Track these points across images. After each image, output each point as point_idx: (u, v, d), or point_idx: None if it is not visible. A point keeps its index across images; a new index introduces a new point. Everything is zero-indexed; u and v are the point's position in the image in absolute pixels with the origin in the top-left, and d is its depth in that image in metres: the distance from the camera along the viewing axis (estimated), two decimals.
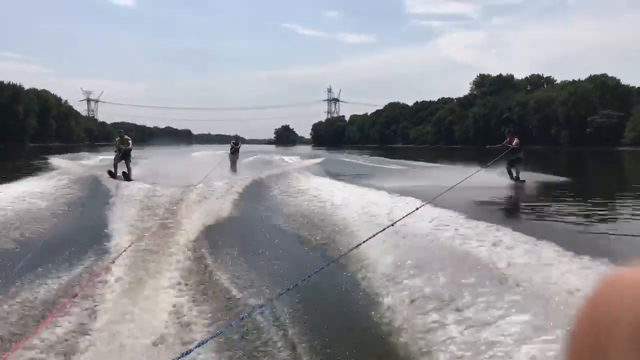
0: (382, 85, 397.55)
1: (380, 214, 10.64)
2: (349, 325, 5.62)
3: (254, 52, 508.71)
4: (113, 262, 7.03)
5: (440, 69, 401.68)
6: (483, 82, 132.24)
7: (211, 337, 4.37)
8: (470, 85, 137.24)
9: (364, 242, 6.09)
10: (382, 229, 6.61)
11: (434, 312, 5.29)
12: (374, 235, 6.09)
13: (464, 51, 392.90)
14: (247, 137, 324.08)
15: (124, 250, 7.68)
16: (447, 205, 10.35)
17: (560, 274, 5.97)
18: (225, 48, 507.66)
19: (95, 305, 5.76)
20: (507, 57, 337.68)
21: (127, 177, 19.40)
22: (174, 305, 5.79)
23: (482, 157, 22.88)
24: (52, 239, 9.42)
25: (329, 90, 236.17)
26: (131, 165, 20.10)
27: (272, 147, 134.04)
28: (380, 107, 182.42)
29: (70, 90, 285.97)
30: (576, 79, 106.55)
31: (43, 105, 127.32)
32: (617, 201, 16.09)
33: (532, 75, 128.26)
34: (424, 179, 18.52)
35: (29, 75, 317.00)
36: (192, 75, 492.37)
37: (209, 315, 5.62)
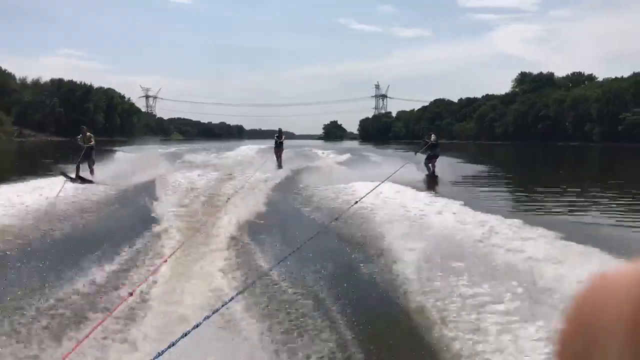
0: (433, 80, 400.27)
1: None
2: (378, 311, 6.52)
3: (306, 48, 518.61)
4: (166, 261, 7.07)
5: (494, 63, 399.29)
6: (524, 80, 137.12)
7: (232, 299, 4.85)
8: (512, 83, 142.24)
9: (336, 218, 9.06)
10: (352, 203, 9.07)
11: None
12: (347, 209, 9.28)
13: (520, 45, 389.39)
14: (297, 133, 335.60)
15: (176, 249, 7.78)
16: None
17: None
18: (278, 44, 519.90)
19: (147, 301, 6.32)
20: (566, 50, 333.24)
21: (84, 180, 18.17)
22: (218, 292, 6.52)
23: (500, 153, 30.11)
24: (103, 229, 10.78)
25: (377, 87, 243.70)
26: (95, 167, 19.50)
27: (320, 142, 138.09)
28: (427, 104, 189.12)
29: (128, 87, 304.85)
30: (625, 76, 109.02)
31: (109, 103, 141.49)
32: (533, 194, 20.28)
33: (574, 73, 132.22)
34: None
35: (90, 72, 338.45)
36: (245, 71, 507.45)
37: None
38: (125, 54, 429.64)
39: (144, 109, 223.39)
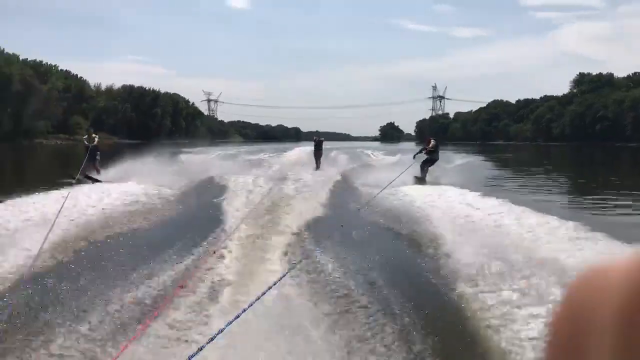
0: (492, 80, 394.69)
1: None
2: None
3: (362, 49, 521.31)
4: (214, 252, 7.58)
5: (558, 63, 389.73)
6: (583, 80, 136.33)
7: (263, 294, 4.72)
8: (570, 84, 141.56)
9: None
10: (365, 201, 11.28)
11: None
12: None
13: (585, 44, 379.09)
14: (353, 134, 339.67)
15: (223, 244, 8.38)
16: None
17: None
18: (335, 46, 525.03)
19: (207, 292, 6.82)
20: (636, 49, 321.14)
21: (92, 179, 19.04)
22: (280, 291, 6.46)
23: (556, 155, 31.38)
24: (166, 227, 11.51)
25: (434, 88, 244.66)
26: (98, 166, 20.18)
27: (375, 143, 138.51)
28: (484, 105, 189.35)
29: (189, 90, 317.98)
30: None
31: (175, 107, 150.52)
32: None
33: (635, 73, 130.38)
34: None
35: (154, 76, 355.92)
36: (302, 74, 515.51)
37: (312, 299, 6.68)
38: (186, 58, 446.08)
39: (205, 112, 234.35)
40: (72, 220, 10.75)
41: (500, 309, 6.08)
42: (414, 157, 21.07)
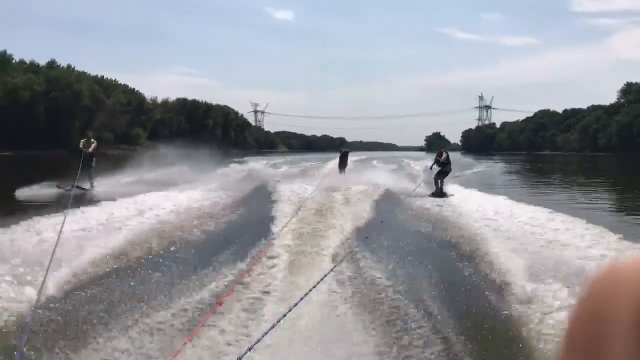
0: (541, 89, 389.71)
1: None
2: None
3: (409, 59, 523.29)
4: (248, 271, 7.86)
5: (613, 70, 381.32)
6: (630, 90, 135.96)
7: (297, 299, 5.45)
8: (618, 93, 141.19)
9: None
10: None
11: None
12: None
13: None
14: (399, 144, 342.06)
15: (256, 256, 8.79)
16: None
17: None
18: (380, 56, 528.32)
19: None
20: None
21: (81, 188, 18.65)
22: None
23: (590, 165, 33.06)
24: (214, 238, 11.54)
25: (480, 98, 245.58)
26: (94, 173, 19.78)
27: (421, 153, 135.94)
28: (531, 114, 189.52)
29: (236, 100, 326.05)
30: None
31: (225, 119, 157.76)
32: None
33: None
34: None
35: (201, 88, 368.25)
36: (347, 84, 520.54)
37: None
38: (232, 69, 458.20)
39: (253, 123, 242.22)
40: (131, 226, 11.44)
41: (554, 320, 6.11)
42: (431, 168, 21.86)
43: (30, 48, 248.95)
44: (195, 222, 12.81)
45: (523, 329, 6.13)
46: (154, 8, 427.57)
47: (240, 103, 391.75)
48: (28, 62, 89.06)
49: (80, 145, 19.75)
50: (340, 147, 30.38)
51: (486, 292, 7.62)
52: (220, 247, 10.04)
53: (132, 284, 7.66)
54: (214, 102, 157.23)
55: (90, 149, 19.46)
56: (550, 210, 14.03)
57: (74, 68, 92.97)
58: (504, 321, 6.51)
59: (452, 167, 21.66)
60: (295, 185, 20.49)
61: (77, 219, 11.47)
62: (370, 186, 20.27)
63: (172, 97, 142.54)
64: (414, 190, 20.14)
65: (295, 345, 5.47)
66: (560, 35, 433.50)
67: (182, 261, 9.02)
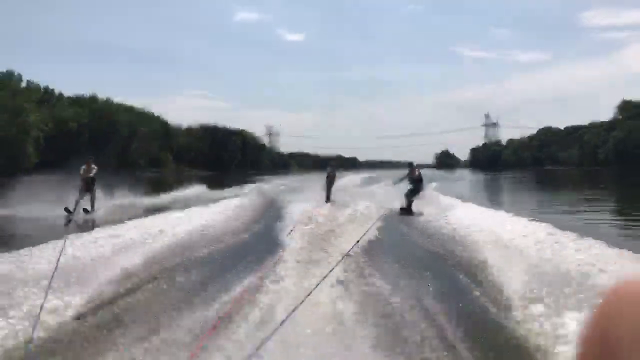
0: (552, 104, 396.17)
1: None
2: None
3: (419, 77, 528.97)
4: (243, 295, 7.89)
5: (621, 84, 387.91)
6: (627, 107, 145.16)
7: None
8: (615, 110, 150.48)
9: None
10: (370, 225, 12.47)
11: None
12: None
13: None
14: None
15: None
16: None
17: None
18: (390, 75, 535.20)
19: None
20: None
21: (86, 211, 19.10)
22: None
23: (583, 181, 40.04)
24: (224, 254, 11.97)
25: (487, 116, 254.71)
26: (95, 197, 19.98)
27: (431, 171, 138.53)
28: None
29: (247, 121, 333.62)
30: None
31: (243, 141, 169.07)
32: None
33: None
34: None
35: (215, 110, 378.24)
36: (358, 103, 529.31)
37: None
38: (244, 91, 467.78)
39: (267, 144, 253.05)
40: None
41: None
42: (394, 184, 22.98)
43: (39, 70, 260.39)
44: (202, 243, 13.03)
45: (519, 339, 6.20)
46: (164, 32, 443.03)
47: (253, 123, 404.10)
48: (70, 94, 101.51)
49: (81, 172, 19.87)
50: (327, 166, 25.27)
51: (485, 303, 7.76)
52: (224, 268, 10.30)
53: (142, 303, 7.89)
54: (228, 123, 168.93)
55: (91, 174, 19.71)
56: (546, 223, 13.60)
57: (112, 99, 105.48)
58: (501, 332, 6.57)
59: (423, 185, 21.71)
60: (306, 204, 21.10)
61: (83, 242, 11.45)
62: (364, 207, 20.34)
63: (188, 119, 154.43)
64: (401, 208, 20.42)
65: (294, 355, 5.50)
66: (571, 49, 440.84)
67: (181, 283, 9.08)
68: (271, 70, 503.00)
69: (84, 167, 19.96)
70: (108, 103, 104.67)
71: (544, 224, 13.43)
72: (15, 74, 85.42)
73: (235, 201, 22.96)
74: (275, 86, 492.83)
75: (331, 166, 24.80)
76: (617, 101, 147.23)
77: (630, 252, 9.64)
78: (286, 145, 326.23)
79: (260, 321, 6.63)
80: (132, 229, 13.67)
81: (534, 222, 14.21)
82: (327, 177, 24.06)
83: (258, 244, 13.59)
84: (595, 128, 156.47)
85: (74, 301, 7.48)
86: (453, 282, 9.39)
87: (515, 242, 11.55)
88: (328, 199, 22.99)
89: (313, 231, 14.58)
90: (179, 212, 18.22)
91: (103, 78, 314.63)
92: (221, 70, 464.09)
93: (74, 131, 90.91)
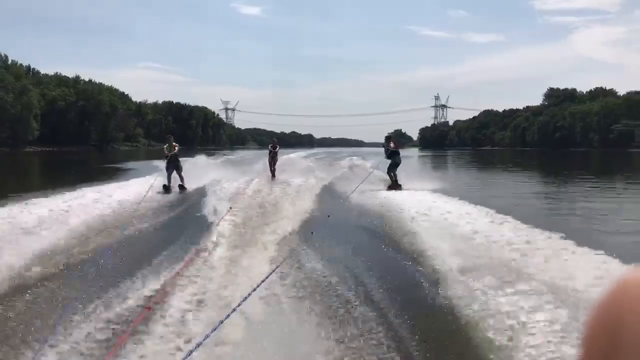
0: (505, 85, 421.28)
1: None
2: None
3: (376, 57, 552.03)
4: (178, 273, 7.86)
5: (574, 67, 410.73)
6: (552, 95, 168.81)
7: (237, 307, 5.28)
8: (542, 97, 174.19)
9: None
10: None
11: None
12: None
13: (601, 48, 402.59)
14: (366, 141, 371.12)
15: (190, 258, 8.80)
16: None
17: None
18: (347, 53, 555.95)
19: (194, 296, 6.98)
20: None
21: (181, 187, 20.13)
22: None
23: (506, 159, 54.04)
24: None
25: (436, 97, 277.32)
26: (183, 174, 20.54)
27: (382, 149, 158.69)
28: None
29: (203, 96, 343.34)
30: None
31: (204, 118, 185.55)
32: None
33: (596, 88, 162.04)
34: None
35: (168, 83, 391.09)
36: (315, 81, 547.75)
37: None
38: (199, 65, 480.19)
39: (225, 120, 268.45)
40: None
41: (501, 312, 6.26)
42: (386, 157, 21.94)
43: None
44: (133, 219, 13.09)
45: (462, 323, 6.30)
46: (115, 3, 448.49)
47: (208, 97, 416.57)
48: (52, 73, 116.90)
49: (165, 151, 20.68)
50: (269, 144, 26.72)
51: (426, 285, 7.82)
52: (154, 248, 9.95)
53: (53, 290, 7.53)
54: (183, 97, 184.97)
55: (175, 151, 20.41)
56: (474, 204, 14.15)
57: (98, 82, 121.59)
58: (443, 313, 6.70)
59: (401, 158, 21.82)
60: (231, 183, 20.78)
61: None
62: (312, 180, 21.61)
63: (143, 92, 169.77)
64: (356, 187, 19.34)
65: (239, 347, 5.43)
66: (524, 32, 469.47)
67: (110, 265, 8.74)
68: (228, 44, 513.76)
69: (166, 145, 20.88)
70: (91, 83, 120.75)
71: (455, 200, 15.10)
72: (2, 54, 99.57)
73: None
74: (231, 61, 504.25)
75: (272, 143, 25.79)
76: (566, 83, 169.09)
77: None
78: (242, 122, 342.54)
79: (185, 318, 6.27)
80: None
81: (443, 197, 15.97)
82: (269, 153, 25.30)
83: (189, 223, 13.15)
84: (526, 112, 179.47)
85: None
86: (393, 263, 9.50)
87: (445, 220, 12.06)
88: (273, 176, 23.93)
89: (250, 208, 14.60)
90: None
91: (56, 49, 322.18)
92: (173, 43, 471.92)
93: (63, 109, 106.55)
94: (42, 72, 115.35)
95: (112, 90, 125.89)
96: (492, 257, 8.47)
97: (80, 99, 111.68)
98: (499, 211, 12.50)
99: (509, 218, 11.56)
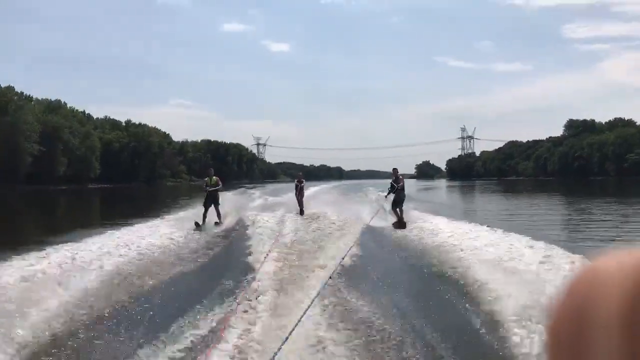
0: (533, 115, 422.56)
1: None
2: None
3: (403, 87, 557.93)
4: (235, 307, 8.22)
5: (604, 94, 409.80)
6: (572, 125, 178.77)
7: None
8: (563, 128, 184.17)
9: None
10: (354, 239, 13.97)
11: None
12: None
13: (631, 75, 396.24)
14: None
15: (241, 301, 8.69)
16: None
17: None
18: (375, 86, 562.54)
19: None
20: None
21: (217, 223, 19.91)
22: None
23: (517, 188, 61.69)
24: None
25: (463, 129, 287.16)
26: (220, 208, 20.55)
27: (412, 181, 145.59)
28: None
29: (234, 132, 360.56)
30: None
31: (239, 154, 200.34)
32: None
33: (615, 118, 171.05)
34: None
35: (200, 120, 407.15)
36: (343, 114, 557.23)
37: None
38: (230, 102, 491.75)
39: (256, 154, 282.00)
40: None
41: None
42: (386, 196, 23.10)
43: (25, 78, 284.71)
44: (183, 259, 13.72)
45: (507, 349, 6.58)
46: (147, 43, 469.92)
47: (240, 133, 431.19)
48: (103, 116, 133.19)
49: (204, 185, 20.79)
50: (295, 179, 27.20)
51: (475, 318, 8.07)
52: (201, 289, 10.28)
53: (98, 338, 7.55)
54: (214, 133, 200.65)
55: (218, 187, 20.62)
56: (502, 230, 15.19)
57: (146, 124, 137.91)
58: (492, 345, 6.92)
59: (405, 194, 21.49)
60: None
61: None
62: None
63: (174, 128, 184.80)
64: (371, 220, 20.55)
65: None
66: (553, 61, 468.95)
67: (157, 308, 8.96)
68: (257, 80, 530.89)
69: (206, 179, 20.85)
70: (141, 126, 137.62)
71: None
72: (62, 102, 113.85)
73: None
74: (260, 96, 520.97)
75: (298, 177, 26.12)
76: (595, 112, 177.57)
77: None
78: (273, 156, 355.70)
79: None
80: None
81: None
82: (296, 187, 25.41)
83: (230, 265, 13.14)
84: (548, 143, 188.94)
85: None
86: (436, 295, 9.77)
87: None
88: (302, 212, 23.68)
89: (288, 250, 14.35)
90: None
91: (90, 88, 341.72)
92: (205, 81, 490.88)
93: (117, 150, 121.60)
94: (94, 116, 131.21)
95: (157, 131, 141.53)
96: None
97: (132, 141, 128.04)
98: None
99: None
